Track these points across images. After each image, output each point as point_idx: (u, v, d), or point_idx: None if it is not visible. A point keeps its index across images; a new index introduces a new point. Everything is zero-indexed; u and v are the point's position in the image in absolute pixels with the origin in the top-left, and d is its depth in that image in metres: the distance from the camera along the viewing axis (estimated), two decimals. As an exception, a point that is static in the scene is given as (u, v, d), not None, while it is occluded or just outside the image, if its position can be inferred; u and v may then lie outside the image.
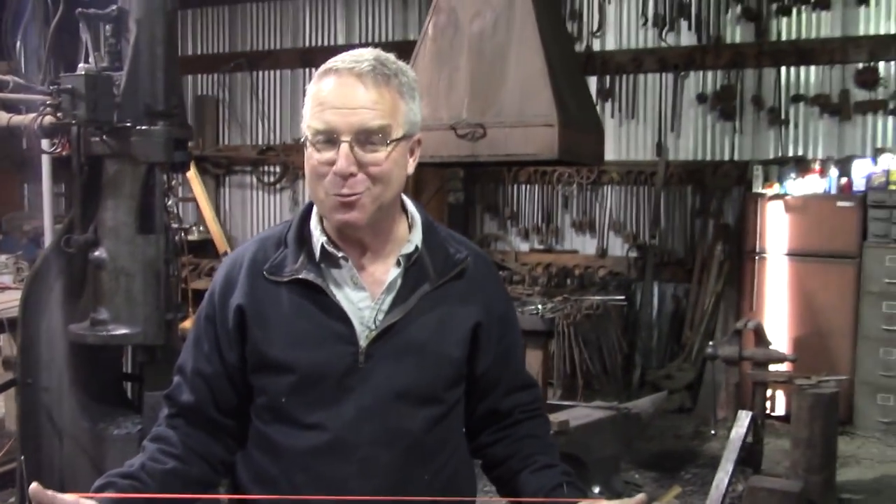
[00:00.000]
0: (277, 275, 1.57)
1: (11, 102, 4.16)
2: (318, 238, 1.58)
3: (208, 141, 9.88)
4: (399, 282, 1.58)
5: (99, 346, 3.66)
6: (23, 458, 3.97)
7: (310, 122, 1.51)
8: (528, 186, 8.32)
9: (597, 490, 2.83)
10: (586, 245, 8.09)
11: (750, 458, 5.13)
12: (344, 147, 1.47)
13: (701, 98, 7.51)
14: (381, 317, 1.56)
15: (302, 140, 1.55)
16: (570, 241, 8.19)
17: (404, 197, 1.66)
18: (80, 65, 3.64)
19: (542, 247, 8.26)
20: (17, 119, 4.05)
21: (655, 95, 7.72)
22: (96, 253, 3.67)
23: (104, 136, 3.58)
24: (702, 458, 5.82)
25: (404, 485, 1.54)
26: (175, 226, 4.08)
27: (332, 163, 1.48)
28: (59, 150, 4.14)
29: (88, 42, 3.78)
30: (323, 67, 1.53)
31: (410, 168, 1.60)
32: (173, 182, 3.99)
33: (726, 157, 7.46)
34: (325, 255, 1.57)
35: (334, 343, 1.54)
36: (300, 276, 1.55)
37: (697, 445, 6.17)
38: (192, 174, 5.70)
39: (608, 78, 7.82)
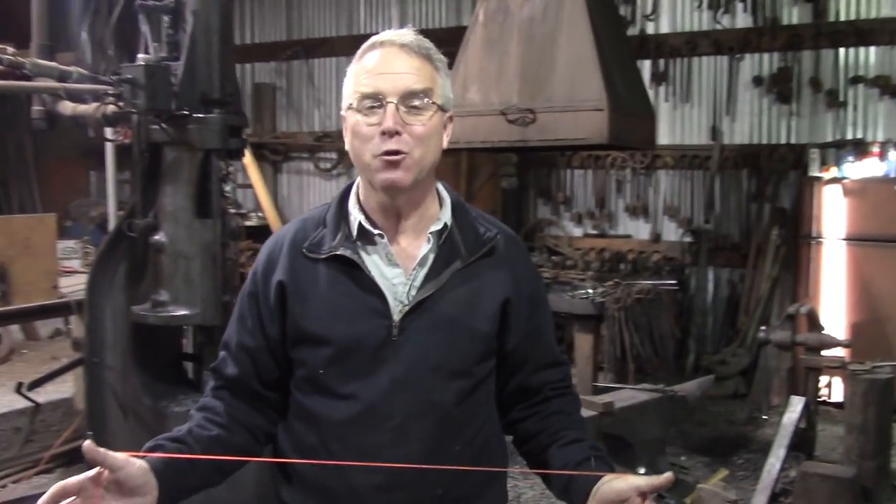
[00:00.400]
0: (316, 252, 1.64)
1: (76, 93, 4.32)
2: (355, 216, 1.66)
3: (266, 128, 10.07)
4: (431, 258, 1.65)
5: (159, 326, 3.80)
6: (90, 433, 4.16)
7: (356, 89, 1.60)
8: (582, 171, 8.32)
9: (642, 471, 2.86)
10: (640, 230, 8.07)
11: (803, 443, 5.10)
12: (391, 107, 1.56)
13: (757, 81, 7.41)
14: (413, 292, 1.63)
15: (343, 112, 1.64)
16: (624, 225, 8.18)
17: (438, 183, 1.73)
18: (140, 55, 3.77)
19: (595, 232, 8.26)
20: (82, 108, 4.22)
21: (710, 79, 7.65)
22: (156, 237, 3.81)
23: (163, 124, 3.72)
24: (755, 443, 5.80)
25: (435, 454, 1.60)
26: (233, 211, 4.22)
27: (377, 124, 1.57)
28: (121, 138, 4.30)
29: (148, 33, 3.91)
30: (366, 45, 1.64)
31: (445, 142, 1.68)
32: (230, 169, 4.10)
33: (783, 141, 7.36)
34: (362, 233, 1.65)
35: (369, 317, 1.61)
36: (338, 253, 1.63)
37: (751, 431, 6.14)
38: (248, 161, 5.84)
39: (662, 61, 7.77)
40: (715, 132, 7.57)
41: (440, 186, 1.73)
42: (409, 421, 1.60)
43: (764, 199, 7.40)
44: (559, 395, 1.78)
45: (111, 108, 3.96)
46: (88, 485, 1.36)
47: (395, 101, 1.56)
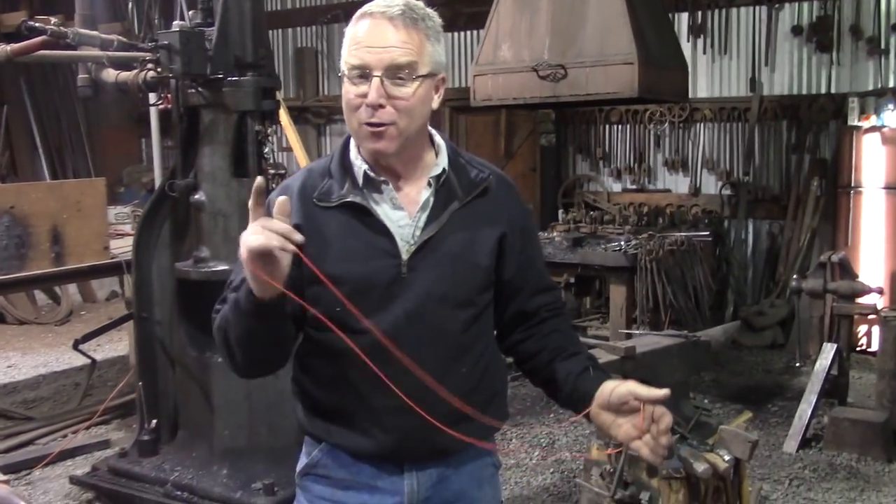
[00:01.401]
0: (326, 200, 1.78)
1: (119, 60, 4.49)
2: (360, 166, 1.79)
3: (309, 92, 10.22)
4: (431, 201, 1.80)
5: (202, 281, 3.99)
6: (141, 384, 4.39)
7: (346, 58, 1.72)
8: (620, 126, 8.33)
9: (664, 413, 2.96)
10: (679, 184, 8.08)
11: (835, 390, 5.15)
12: (375, 81, 1.67)
13: (796, 30, 7.33)
14: (418, 233, 1.77)
15: (339, 75, 1.75)
16: (663, 180, 8.19)
17: (431, 129, 1.85)
18: (175, 22, 3.93)
19: (634, 187, 8.29)
20: (124, 75, 4.40)
21: (749, 29, 7.58)
22: (196, 196, 3.99)
23: (199, 88, 3.88)
24: (790, 391, 5.86)
25: (445, 377, 1.75)
26: (272, 172, 4.37)
27: (365, 95, 1.68)
28: (161, 103, 4.47)
29: (183, 1, 4.06)
30: (359, 12, 1.73)
31: (435, 104, 1.79)
32: (269, 131, 4.23)
33: (822, 91, 7.28)
34: (367, 181, 1.79)
35: (380, 257, 1.75)
36: (348, 200, 1.76)
37: (787, 380, 6.19)
38: (286, 123, 5.97)
39: (699, 14, 7.71)
40: (754, 83, 7.51)
41: (434, 134, 1.85)
42: (421, 348, 1.74)
43: (804, 149, 7.35)
44: (553, 316, 1.93)
45: (150, 74, 4.13)
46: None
47: (380, 75, 1.67)
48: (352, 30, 1.72)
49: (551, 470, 4.66)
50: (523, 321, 1.93)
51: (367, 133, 1.71)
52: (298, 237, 1.53)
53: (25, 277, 5.21)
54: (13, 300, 8.52)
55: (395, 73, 1.68)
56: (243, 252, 1.51)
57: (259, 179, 1.54)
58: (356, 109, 1.70)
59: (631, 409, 1.65)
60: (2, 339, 7.99)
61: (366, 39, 1.68)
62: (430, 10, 1.76)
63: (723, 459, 3.12)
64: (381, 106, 1.67)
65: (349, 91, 1.71)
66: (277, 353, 1.77)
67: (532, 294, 1.91)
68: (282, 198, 1.55)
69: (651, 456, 1.64)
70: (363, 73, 1.68)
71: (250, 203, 1.54)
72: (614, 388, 1.68)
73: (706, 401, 4.01)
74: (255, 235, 1.49)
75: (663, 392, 1.63)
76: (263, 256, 1.50)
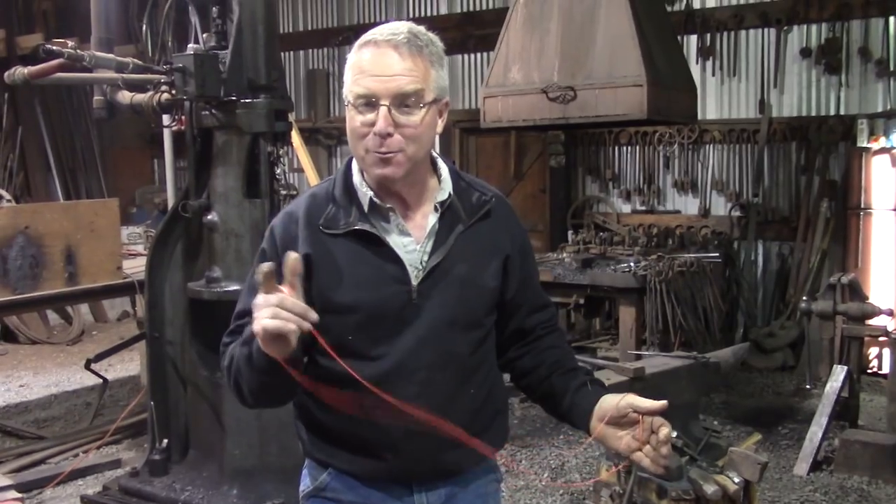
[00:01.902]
0: (334, 228, 1.78)
1: (134, 82, 4.54)
2: (365, 192, 1.80)
3: (320, 113, 10.29)
4: (437, 226, 1.81)
5: (214, 301, 4.02)
6: (152, 404, 4.42)
7: (352, 87, 1.72)
8: (629, 148, 8.35)
9: (674, 434, 2.97)
10: (688, 205, 8.08)
11: (846, 412, 5.14)
12: (383, 110, 1.68)
13: (805, 52, 7.35)
14: (426, 258, 1.79)
15: (345, 104, 1.76)
16: (673, 201, 8.20)
17: (433, 153, 1.87)
18: (190, 45, 3.98)
19: (643, 208, 8.29)
20: (139, 97, 4.45)
21: (757, 51, 7.60)
22: (209, 216, 4.04)
23: (213, 110, 3.93)
24: (800, 414, 5.84)
25: (455, 398, 1.80)
26: (284, 192, 4.41)
27: (372, 124, 1.69)
28: (175, 125, 4.53)
29: (197, 24, 4.13)
30: (362, 39, 1.74)
31: (439, 128, 1.81)
32: (281, 152, 4.27)
33: (832, 112, 7.29)
34: (373, 208, 1.80)
35: (391, 284, 1.77)
36: (356, 227, 1.77)
37: (797, 402, 6.17)
38: (297, 144, 6.03)
39: (708, 36, 7.74)
40: (763, 105, 7.53)
41: (436, 157, 1.87)
42: (433, 372, 1.77)
43: (813, 171, 7.35)
44: (549, 333, 1.97)
45: (165, 95, 4.19)
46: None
47: (388, 104, 1.68)
48: (356, 57, 1.73)
49: (561, 492, 4.65)
50: (520, 338, 1.96)
51: (375, 159, 1.72)
52: (314, 316, 1.53)
53: (40, 297, 5.26)
54: (26, 320, 8.57)
55: (403, 101, 1.69)
56: (257, 329, 1.51)
57: (265, 266, 1.51)
58: (363, 138, 1.71)
59: (631, 422, 1.68)
60: (14, 358, 8.03)
61: (371, 68, 1.69)
62: (432, 35, 1.77)
63: (732, 481, 3.12)
64: (390, 134, 1.69)
65: (355, 119, 1.71)
66: (288, 394, 1.80)
67: (529, 312, 1.95)
68: (293, 256, 1.54)
69: (652, 466, 1.67)
70: (369, 102, 1.69)
71: (261, 287, 1.52)
72: (614, 402, 1.71)
73: (716, 423, 4.02)
74: (270, 319, 1.49)
75: (661, 403, 1.66)
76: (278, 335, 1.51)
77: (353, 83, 1.72)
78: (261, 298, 1.50)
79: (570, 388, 1.84)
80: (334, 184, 1.84)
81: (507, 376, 2.00)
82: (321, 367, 1.80)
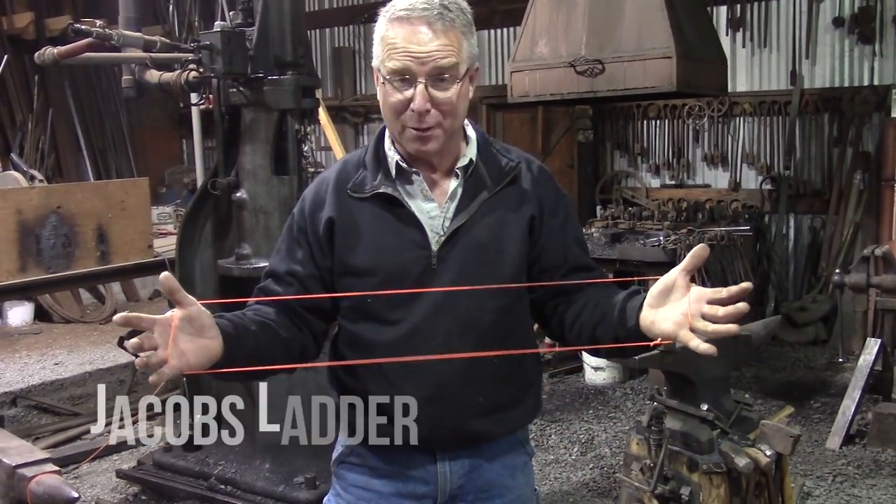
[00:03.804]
0: (360, 191, 1.81)
1: (161, 61, 4.55)
2: (392, 157, 1.81)
3: (346, 91, 10.28)
4: (460, 191, 1.81)
5: (244, 277, 4.04)
6: (184, 380, 4.46)
7: (386, 62, 1.71)
8: (658, 122, 8.26)
9: (705, 408, 2.97)
10: (718, 179, 8.00)
11: (880, 385, 5.08)
12: (420, 87, 1.68)
13: (837, 22, 7.22)
14: (447, 223, 1.79)
15: (375, 74, 1.76)
16: (703, 175, 8.12)
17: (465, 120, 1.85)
18: (217, 22, 3.98)
19: (673, 182, 8.22)
20: (167, 76, 4.46)
21: (789, 22, 7.48)
22: (238, 194, 4.05)
23: (240, 87, 3.94)
24: (833, 387, 5.79)
25: (476, 366, 1.77)
26: (311, 170, 4.42)
27: (408, 100, 1.69)
28: (203, 103, 4.54)
29: (224, 2, 4.13)
30: (394, 13, 1.72)
31: (471, 93, 1.80)
32: (308, 130, 4.28)
33: (865, 83, 7.16)
34: (400, 172, 1.81)
35: (411, 249, 1.78)
36: (380, 191, 1.79)
37: (829, 376, 6.12)
38: (325, 122, 6.03)
39: (738, 6, 7.63)
40: (794, 76, 7.42)
41: (466, 124, 1.86)
42: (451, 339, 1.77)
43: (846, 143, 7.24)
44: (594, 287, 1.86)
45: (192, 74, 4.20)
46: (165, 322, 1.53)
47: (424, 81, 1.68)
48: (389, 31, 1.71)
49: (591, 465, 4.66)
50: (565, 296, 1.87)
51: (413, 135, 1.73)
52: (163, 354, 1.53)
53: (73, 276, 5.33)
54: (59, 299, 8.70)
55: (439, 76, 1.69)
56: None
57: (165, 274, 1.55)
58: (399, 113, 1.72)
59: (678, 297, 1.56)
60: (49, 337, 8.16)
61: (406, 44, 1.68)
62: (461, 2, 1.76)
63: (764, 454, 3.10)
64: (427, 111, 1.69)
65: (391, 94, 1.71)
66: (281, 361, 1.78)
67: (572, 271, 1.87)
68: (163, 275, 1.55)
69: (704, 337, 1.52)
70: (404, 79, 1.69)
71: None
72: (660, 280, 1.59)
73: (747, 395, 3.98)
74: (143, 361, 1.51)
75: (701, 246, 1.55)
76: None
77: (386, 58, 1.71)
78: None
79: (617, 301, 1.73)
80: (367, 150, 1.87)
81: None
82: (345, 330, 1.85)
